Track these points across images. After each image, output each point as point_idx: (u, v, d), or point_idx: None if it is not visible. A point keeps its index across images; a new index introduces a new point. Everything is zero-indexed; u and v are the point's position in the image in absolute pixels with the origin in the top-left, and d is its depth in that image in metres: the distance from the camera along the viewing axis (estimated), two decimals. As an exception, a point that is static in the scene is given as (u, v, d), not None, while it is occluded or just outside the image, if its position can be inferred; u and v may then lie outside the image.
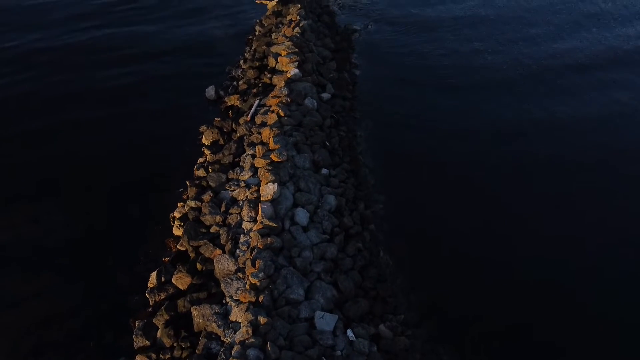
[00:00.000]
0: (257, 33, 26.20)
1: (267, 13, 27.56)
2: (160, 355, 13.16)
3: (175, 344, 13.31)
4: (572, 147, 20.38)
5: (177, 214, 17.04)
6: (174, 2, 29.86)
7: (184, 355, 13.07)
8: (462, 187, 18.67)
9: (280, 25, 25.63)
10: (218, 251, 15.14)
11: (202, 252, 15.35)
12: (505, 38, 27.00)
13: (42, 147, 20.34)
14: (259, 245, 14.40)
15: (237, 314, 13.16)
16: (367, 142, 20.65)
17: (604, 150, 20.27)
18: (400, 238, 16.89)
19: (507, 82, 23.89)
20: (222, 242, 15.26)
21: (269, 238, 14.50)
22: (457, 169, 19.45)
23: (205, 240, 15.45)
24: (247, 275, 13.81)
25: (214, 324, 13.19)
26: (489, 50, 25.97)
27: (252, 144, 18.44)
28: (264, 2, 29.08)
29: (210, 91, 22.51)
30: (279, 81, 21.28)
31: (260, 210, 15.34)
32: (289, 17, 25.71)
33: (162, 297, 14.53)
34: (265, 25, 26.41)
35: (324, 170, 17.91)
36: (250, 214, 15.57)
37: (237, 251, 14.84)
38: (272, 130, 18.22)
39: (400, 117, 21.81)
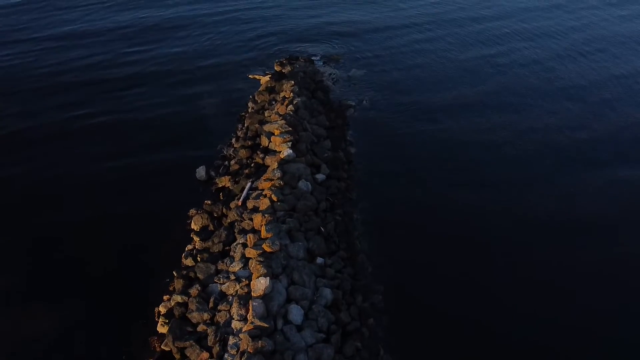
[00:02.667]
0: (250, 110, 25.86)
1: (260, 89, 27.34)
2: None
3: None
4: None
5: (162, 309, 16.07)
6: (163, 75, 29.57)
7: None
8: (468, 275, 17.86)
9: (273, 102, 25.34)
10: (205, 354, 14.13)
11: (188, 354, 14.36)
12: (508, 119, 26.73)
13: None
14: (249, 349, 13.41)
15: None
16: (364, 225, 19.90)
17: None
18: (401, 334, 15.90)
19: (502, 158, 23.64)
20: (210, 343, 14.27)
21: (260, 341, 13.51)
22: (461, 253, 18.65)
23: (191, 342, 14.44)
24: (236, 386, 12.75)
25: None
26: (486, 128, 25.62)
27: (243, 232, 17.66)
28: (257, 77, 28.99)
29: (201, 171, 21.88)
30: (271, 162, 20.73)
31: (251, 308, 14.41)
32: (282, 94, 25.46)
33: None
34: (259, 101, 26.13)
35: (319, 260, 17.08)
36: (240, 311, 14.62)
37: (226, 355, 13.79)
38: (265, 216, 17.49)
39: (398, 198, 21.15)
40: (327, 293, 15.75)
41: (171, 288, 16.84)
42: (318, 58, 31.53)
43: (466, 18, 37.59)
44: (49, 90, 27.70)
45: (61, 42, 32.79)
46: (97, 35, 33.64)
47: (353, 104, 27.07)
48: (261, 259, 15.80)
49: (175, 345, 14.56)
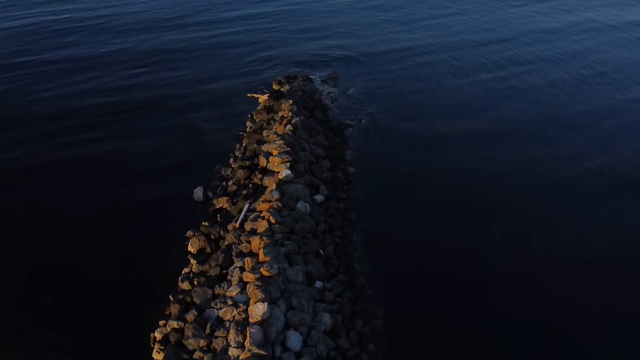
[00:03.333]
0: (248, 129, 25.68)
1: (259, 108, 27.21)
2: None
3: None
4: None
5: (158, 335, 15.70)
6: (160, 96, 29.37)
7: None
8: (471, 298, 17.56)
9: (272, 122, 25.17)
10: (201, 383, 13.74)
11: (184, 383, 13.95)
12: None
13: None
14: (246, 379, 13.05)
15: None
16: (364, 247, 19.61)
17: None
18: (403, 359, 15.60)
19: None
20: (206, 372, 13.89)
21: (257, 370, 13.16)
22: (465, 276, 18.37)
23: (187, 370, 14.08)
24: (233, 417, 12.39)
25: None
26: (485, 153, 25.37)
27: (241, 254, 17.38)
28: (255, 96, 28.84)
29: (198, 192, 21.63)
30: (270, 183, 20.50)
31: (248, 334, 14.09)
32: (280, 113, 25.30)
33: None
34: (257, 120, 25.96)
35: (318, 284, 16.78)
36: (237, 338, 14.31)
37: (223, 384, 13.45)
38: (263, 239, 17.22)
39: (398, 219, 20.90)
40: (327, 318, 15.42)
41: (167, 312, 16.52)
42: (317, 77, 31.42)
43: (466, 42, 37.06)
44: (45, 116, 27.24)
45: (57, 66, 32.50)
46: (92, 60, 33.33)
47: (352, 123, 26.90)
48: (259, 283, 15.50)
49: (171, 373, 14.21)
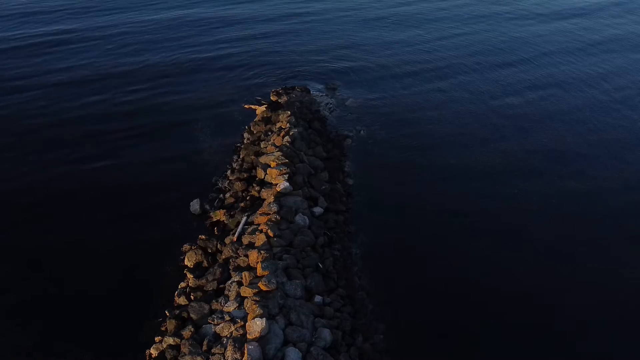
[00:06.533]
0: (245, 141, 25.41)
1: (256, 119, 26.98)
2: None
3: None
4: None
5: (153, 352, 15.39)
6: (164, 108, 29.09)
7: None
8: (472, 311, 17.33)
9: (269, 133, 24.94)
10: (198, 402, 13.38)
11: (180, 402, 13.59)
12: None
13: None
14: (244, 398, 12.70)
15: None
16: (364, 260, 19.36)
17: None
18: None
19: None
20: (203, 390, 13.53)
21: (256, 389, 12.82)
22: (466, 289, 18.16)
23: (183, 389, 13.72)
24: None
25: None
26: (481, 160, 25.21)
27: (239, 269, 17.07)
28: (252, 107, 28.63)
29: (195, 205, 21.32)
30: (268, 195, 20.23)
31: (246, 351, 13.76)
32: (278, 125, 25.07)
33: None
34: (254, 132, 25.71)
35: (317, 298, 16.48)
36: (235, 355, 13.96)
37: (220, 403, 13.09)
38: (260, 253, 16.94)
39: (398, 231, 20.66)
40: (326, 334, 15.11)
41: (163, 328, 16.20)
42: (315, 88, 31.22)
43: (473, 61, 35.99)
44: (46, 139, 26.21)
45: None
46: (92, 81, 32.61)
47: (350, 134, 26.69)
48: (257, 299, 15.21)
49: (167, 391, 13.86)
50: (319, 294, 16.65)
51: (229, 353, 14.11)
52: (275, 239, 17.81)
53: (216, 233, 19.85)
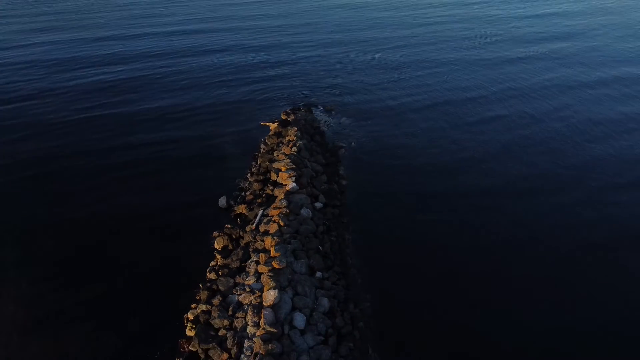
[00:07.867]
0: (262, 150, 25.51)
1: (270, 133, 27.06)
2: None
3: None
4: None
5: (190, 316, 15.49)
6: (194, 126, 29.18)
7: None
8: (444, 280, 17.39)
9: (280, 145, 25.02)
10: (225, 355, 13.52)
11: (211, 355, 13.77)
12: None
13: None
14: (261, 352, 12.84)
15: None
16: (355, 244, 19.40)
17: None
18: (387, 335, 15.35)
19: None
20: (228, 346, 13.66)
21: (270, 344, 12.93)
22: (439, 263, 18.23)
23: (214, 344, 13.83)
24: (250, 382, 12.14)
25: None
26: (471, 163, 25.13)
27: (257, 251, 17.16)
28: (267, 124, 28.71)
29: (222, 201, 21.44)
30: (279, 193, 20.33)
31: (262, 315, 13.87)
32: (287, 138, 25.15)
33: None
34: (269, 144, 25.80)
35: (318, 274, 16.58)
36: (254, 319, 14.08)
37: (242, 356, 13.20)
38: (274, 238, 17.03)
39: (382, 220, 20.72)
40: (325, 302, 15.22)
41: (198, 297, 16.32)
42: (316, 109, 31.30)
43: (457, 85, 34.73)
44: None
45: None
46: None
47: (344, 145, 26.74)
48: (271, 274, 15.31)
49: (201, 347, 13.97)
50: (319, 271, 16.75)
51: (249, 317, 14.24)
52: (285, 227, 17.91)
53: (239, 223, 19.95)
